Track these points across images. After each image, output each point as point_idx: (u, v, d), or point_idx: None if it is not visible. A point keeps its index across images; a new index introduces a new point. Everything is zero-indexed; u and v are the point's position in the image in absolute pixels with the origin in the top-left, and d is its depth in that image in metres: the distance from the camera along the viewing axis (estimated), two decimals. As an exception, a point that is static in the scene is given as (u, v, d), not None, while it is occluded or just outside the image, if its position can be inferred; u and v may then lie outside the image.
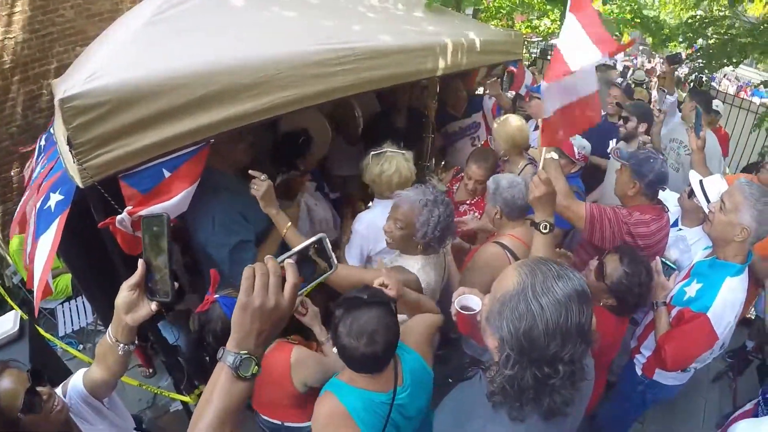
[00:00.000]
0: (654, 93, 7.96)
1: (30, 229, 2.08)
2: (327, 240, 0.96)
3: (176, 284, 1.07)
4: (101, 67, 1.68)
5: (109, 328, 1.22)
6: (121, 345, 1.22)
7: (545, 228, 1.85)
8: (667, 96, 4.24)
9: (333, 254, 0.97)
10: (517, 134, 3.18)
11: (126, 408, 1.78)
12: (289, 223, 2.14)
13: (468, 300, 1.63)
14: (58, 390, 1.52)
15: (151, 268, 1.08)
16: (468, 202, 3.19)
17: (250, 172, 2.08)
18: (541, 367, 1.09)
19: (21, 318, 2.79)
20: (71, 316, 4.05)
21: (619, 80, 6.24)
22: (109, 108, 1.59)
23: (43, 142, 2.97)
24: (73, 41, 4.84)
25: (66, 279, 4.19)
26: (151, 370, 3.72)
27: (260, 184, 2.05)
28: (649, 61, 16.97)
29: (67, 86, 1.62)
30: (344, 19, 2.64)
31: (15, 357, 2.36)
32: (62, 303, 4.20)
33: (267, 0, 2.50)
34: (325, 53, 2.15)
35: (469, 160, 3.18)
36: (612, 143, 4.08)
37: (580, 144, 3.23)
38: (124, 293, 1.11)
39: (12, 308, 3.56)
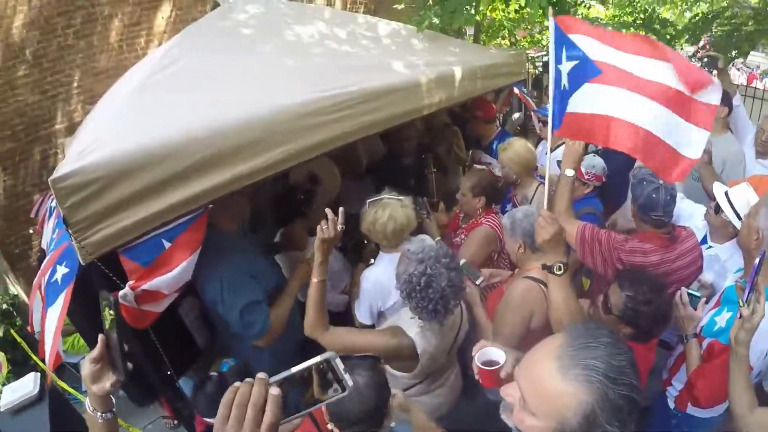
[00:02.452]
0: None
1: (40, 299, 2.08)
2: (337, 360, 0.85)
3: (129, 365, 1.10)
4: (92, 141, 1.67)
5: (87, 397, 1.22)
6: (99, 414, 1.21)
7: (559, 269, 1.76)
8: None
9: (346, 375, 0.84)
10: (527, 155, 3.10)
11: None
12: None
13: (490, 354, 1.46)
14: None
15: (109, 343, 1.12)
16: (462, 226, 2.98)
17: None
18: None
19: (42, 378, 2.77)
20: (94, 370, 4.02)
21: None
22: (102, 184, 1.58)
23: (54, 203, 3.01)
24: (81, 100, 4.97)
25: (88, 333, 4.18)
26: (176, 422, 3.68)
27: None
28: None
29: (61, 164, 1.61)
30: (336, 61, 2.60)
31: (34, 420, 2.42)
32: (85, 357, 4.18)
33: (253, 50, 2.48)
34: (319, 101, 2.10)
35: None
36: None
37: (589, 163, 2.96)
38: (87, 365, 1.13)
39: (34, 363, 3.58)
